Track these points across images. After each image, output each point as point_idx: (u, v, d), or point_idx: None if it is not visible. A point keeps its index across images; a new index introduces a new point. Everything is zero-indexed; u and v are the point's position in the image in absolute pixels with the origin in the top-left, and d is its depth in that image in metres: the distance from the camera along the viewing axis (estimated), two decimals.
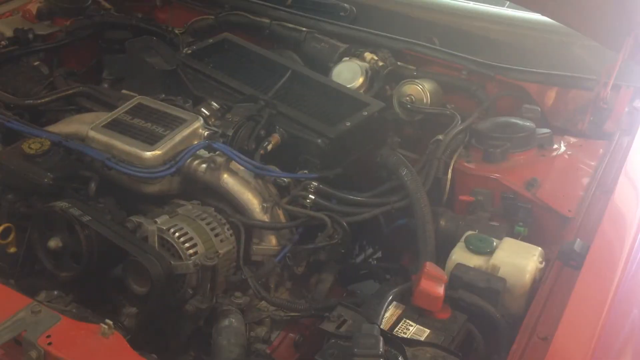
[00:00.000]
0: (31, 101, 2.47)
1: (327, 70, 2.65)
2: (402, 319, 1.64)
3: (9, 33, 2.84)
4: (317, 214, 2.03)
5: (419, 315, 1.65)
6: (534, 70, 2.50)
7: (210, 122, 2.26)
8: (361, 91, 2.55)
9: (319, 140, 2.19)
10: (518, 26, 2.85)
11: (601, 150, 2.17)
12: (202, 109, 2.31)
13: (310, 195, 2.06)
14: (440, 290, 1.64)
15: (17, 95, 2.54)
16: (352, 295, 2.20)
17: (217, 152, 2.08)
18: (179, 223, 1.92)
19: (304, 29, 2.84)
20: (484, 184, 2.07)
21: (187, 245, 1.87)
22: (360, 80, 2.57)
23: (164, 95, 2.37)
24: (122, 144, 2.07)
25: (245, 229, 2.01)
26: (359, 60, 2.63)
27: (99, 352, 1.45)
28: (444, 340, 1.57)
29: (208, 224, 1.96)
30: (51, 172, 1.97)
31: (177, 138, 2.08)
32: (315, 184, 2.08)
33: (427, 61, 2.66)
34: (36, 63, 2.81)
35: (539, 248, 1.78)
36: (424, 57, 2.66)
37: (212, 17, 3.04)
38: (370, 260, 2.47)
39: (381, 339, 1.44)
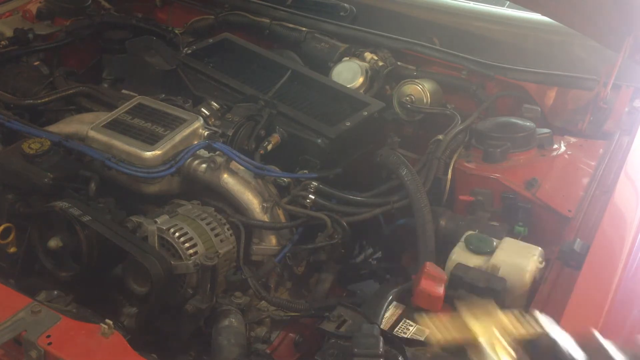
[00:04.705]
0: (31, 101, 2.47)
1: (327, 70, 2.65)
2: (402, 319, 1.64)
3: (9, 33, 2.85)
4: (317, 214, 2.03)
5: (419, 315, 1.65)
6: (534, 70, 2.50)
7: (210, 122, 2.26)
8: (361, 91, 2.55)
9: (319, 140, 2.19)
10: (518, 26, 2.86)
11: (601, 150, 2.17)
12: (202, 109, 2.31)
13: (310, 195, 2.06)
14: (440, 290, 1.64)
15: (17, 95, 2.55)
16: (352, 295, 2.20)
17: (217, 152, 2.08)
18: (179, 223, 1.92)
19: (304, 29, 2.84)
20: (484, 184, 2.07)
21: (187, 245, 1.87)
22: (360, 80, 2.57)
23: (164, 95, 2.38)
24: (122, 144, 2.07)
25: (245, 229, 2.01)
26: (359, 60, 2.63)
27: (99, 352, 1.45)
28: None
29: (208, 224, 1.96)
30: (51, 172, 1.97)
31: (177, 138, 2.08)
32: (315, 184, 2.08)
33: (427, 61, 2.66)
34: (36, 63, 2.81)
35: (539, 248, 1.78)
36: (424, 57, 2.66)
37: (212, 17, 3.04)
38: (370, 260, 2.47)
39: (381, 339, 1.44)
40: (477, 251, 1.78)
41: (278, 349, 1.89)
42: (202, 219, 1.97)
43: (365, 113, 2.33)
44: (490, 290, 1.67)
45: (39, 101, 2.47)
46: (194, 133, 2.12)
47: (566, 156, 2.17)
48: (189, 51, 2.60)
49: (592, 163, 2.11)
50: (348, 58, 2.67)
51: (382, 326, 1.57)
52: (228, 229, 1.99)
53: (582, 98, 2.39)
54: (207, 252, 1.86)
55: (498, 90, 2.53)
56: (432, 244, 1.93)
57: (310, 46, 2.79)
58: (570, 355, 0.73)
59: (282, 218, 2.08)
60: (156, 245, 1.86)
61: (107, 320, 1.48)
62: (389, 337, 1.51)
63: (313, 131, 2.21)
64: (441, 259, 1.84)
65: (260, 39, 2.89)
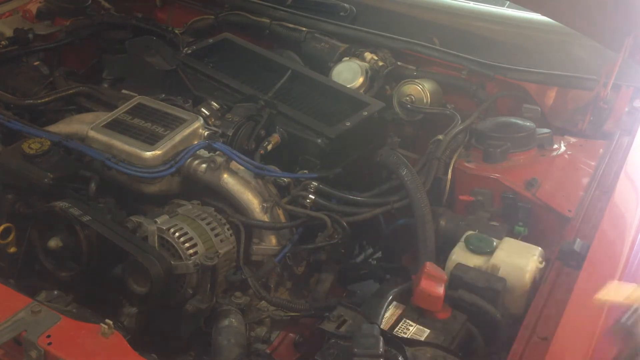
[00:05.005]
0: (31, 101, 2.47)
1: (327, 70, 2.65)
2: (402, 319, 1.64)
3: (9, 33, 2.84)
4: (317, 214, 2.03)
5: (419, 315, 1.65)
6: (534, 70, 2.51)
7: (210, 122, 2.26)
8: (361, 91, 2.55)
9: (319, 140, 2.19)
10: (518, 26, 2.86)
11: (601, 150, 2.17)
12: (202, 109, 2.31)
13: (310, 195, 2.06)
14: (440, 290, 1.64)
15: (17, 95, 2.54)
16: (352, 295, 2.20)
17: (217, 152, 2.08)
18: (179, 223, 1.92)
19: (304, 29, 2.84)
20: (484, 184, 2.07)
21: (187, 245, 1.87)
22: (360, 80, 2.57)
23: (164, 95, 2.37)
24: (122, 144, 2.07)
25: (245, 229, 2.01)
26: (359, 60, 2.63)
27: (99, 352, 1.45)
28: (444, 340, 1.57)
29: (208, 224, 1.96)
30: (51, 172, 1.97)
31: (177, 138, 2.08)
32: (315, 183, 2.08)
33: (427, 61, 2.66)
34: (36, 63, 2.81)
35: (539, 248, 1.78)
36: (424, 57, 2.66)
37: (212, 17, 3.04)
38: (370, 260, 2.47)
39: (381, 339, 1.44)
40: (477, 251, 1.78)
41: (278, 349, 1.89)
42: (202, 219, 1.97)
43: (365, 113, 2.33)
44: (490, 290, 1.67)
45: (39, 101, 2.47)
46: (194, 133, 2.12)
47: (566, 156, 2.17)
48: (189, 51, 2.60)
49: (592, 163, 2.11)
50: (348, 58, 2.67)
51: (382, 326, 1.57)
52: (228, 229, 1.99)
53: (582, 98, 2.39)
54: (207, 252, 1.86)
55: (498, 90, 2.53)
56: (432, 244, 1.93)
57: (310, 46, 2.79)
58: None
59: (282, 218, 2.08)
60: (156, 245, 1.86)
61: (107, 320, 1.48)
62: (389, 337, 1.51)
63: (313, 131, 2.21)
64: (441, 259, 1.84)
65: (260, 39, 2.89)
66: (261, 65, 2.60)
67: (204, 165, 2.08)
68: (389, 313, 1.66)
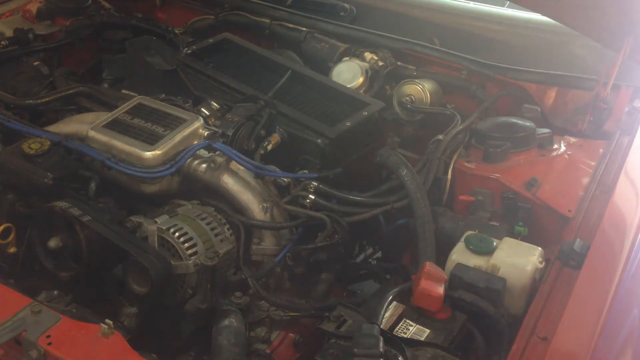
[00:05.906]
0: (31, 101, 2.48)
1: (327, 70, 2.65)
2: (402, 319, 1.64)
3: (9, 33, 2.85)
4: (317, 214, 2.03)
5: (419, 315, 1.65)
6: (534, 70, 2.50)
7: (210, 122, 2.26)
8: (361, 91, 2.55)
9: (319, 140, 2.19)
10: (518, 26, 2.85)
11: (601, 150, 2.17)
12: (202, 109, 2.31)
13: (310, 195, 2.06)
14: (440, 290, 1.64)
15: (17, 95, 2.54)
16: (352, 295, 2.20)
17: (217, 152, 2.08)
18: (179, 223, 1.92)
19: (304, 29, 2.84)
20: (484, 184, 2.07)
21: (187, 245, 1.87)
22: (360, 80, 2.57)
23: (164, 95, 2.38)
24: (122, 144, 2.07)
25: (245, 228, 2.01)
26: (359, 60, 2.63)
27: (99, 352, 1.45)
28: (444, 340, 1.57)
29: (208, 223, 1.96)
30: (51, 172, 1.97)
31: (177, 138, 2.08)
32: (315, 183, 2.08)
33: (427, 61, 2.65)
34: (36, 63, 2.80)
35: (539, 248, 1.78)
36: (424, 57, 2.66)
37: (212, 17, 3.04)
38: (370, 260, 2.47)
39: (381, 339, 1.44)
40: (477, 251, 1.78)
41: (278, 349, 1.89)
42: (202, 219, 1.97)
43: (365, 113, 2.33)
44: (490, 290, 1.67)
45: (39, 101, 2.47)
46: (194, 133, 2.12)
47: (566, 156, 2.17)
48: (189, 51, 2.60)
49: (592, 163, 2.11)
50: (348, 58, 2.67)
51: (382, 326, 1.57)
52: (228, 229, 1.99)
53: (582, 98, 2.39)
54: (207, 252, 1.86)
55: (498, 90, 2.53)
56: (432, 244, 1.93)
57: (310, 46, 2.79)
58: None
59: (282, 218, 2.08)
60: (156, 245, 1.86)
61: (107, 320, 1.48)
62: (389, 337, 1.51)
63: (313, 131, 2.21)
64: (441, 259, 1.84)
65: (260, 39, 2.89)
66: (261, 65, 2.60)
67: (204, 165, 2.08)
68: (389, 313, 1.66)
